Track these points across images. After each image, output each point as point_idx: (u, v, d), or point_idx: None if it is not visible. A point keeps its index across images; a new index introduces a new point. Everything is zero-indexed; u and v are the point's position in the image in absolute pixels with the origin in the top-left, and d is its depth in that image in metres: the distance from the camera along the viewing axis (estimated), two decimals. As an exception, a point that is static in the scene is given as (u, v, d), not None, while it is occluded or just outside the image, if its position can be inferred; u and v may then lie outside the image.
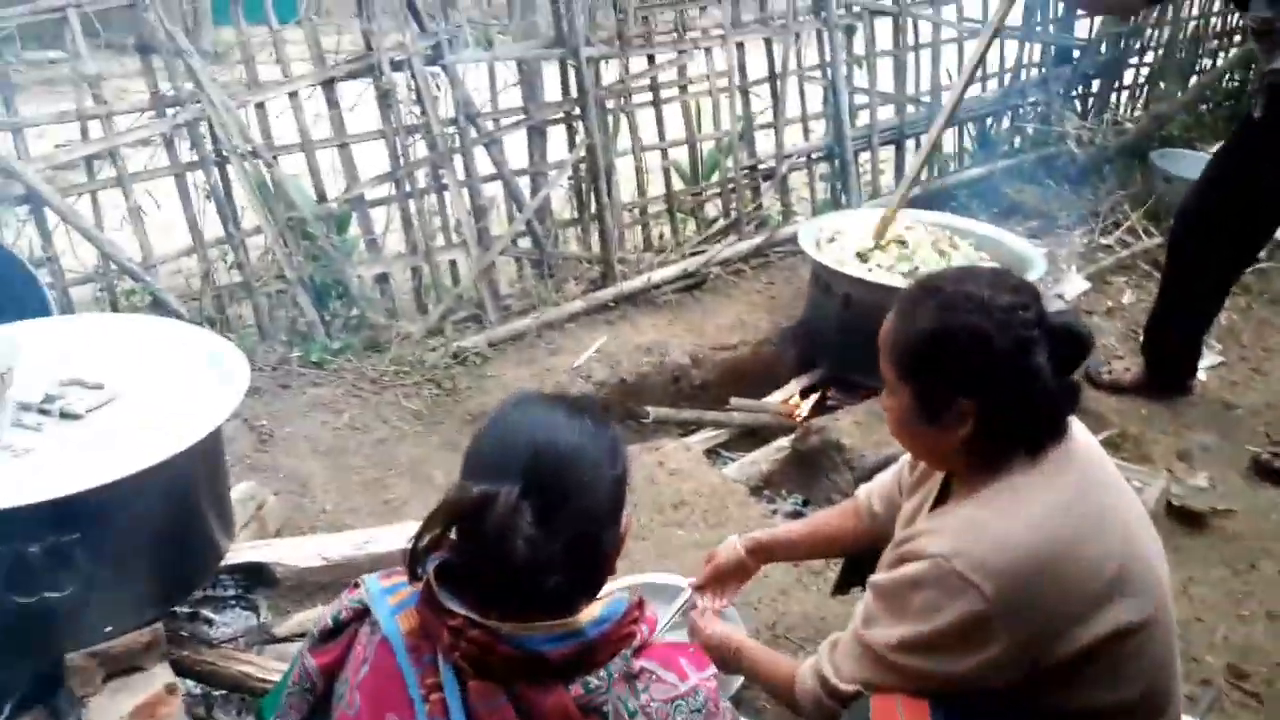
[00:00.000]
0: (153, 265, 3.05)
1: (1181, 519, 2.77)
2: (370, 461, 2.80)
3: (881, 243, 3.44)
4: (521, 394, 1.23)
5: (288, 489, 2.63)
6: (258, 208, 3.10)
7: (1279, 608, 2.46)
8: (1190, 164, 4.62)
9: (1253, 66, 2.96)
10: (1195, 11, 5.47)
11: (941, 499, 1.54)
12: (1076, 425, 1.45)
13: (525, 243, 3.64)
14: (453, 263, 3.51)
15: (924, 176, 4.67)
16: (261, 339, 3.21)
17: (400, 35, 3.19)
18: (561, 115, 3.59)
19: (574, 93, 3.52)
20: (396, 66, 3.21)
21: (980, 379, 1.35)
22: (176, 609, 1.99)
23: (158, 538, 1.71)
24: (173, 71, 2.96)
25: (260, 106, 3.14)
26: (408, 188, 3.30)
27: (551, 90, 3.64)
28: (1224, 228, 3.00)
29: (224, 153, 3.05)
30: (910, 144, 4.66)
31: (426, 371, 3.19)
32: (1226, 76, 5.45)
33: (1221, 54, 5.69)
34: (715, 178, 4.18)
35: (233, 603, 2.15)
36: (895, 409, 1.46)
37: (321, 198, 3.27)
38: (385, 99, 3.21)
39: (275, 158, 3.13)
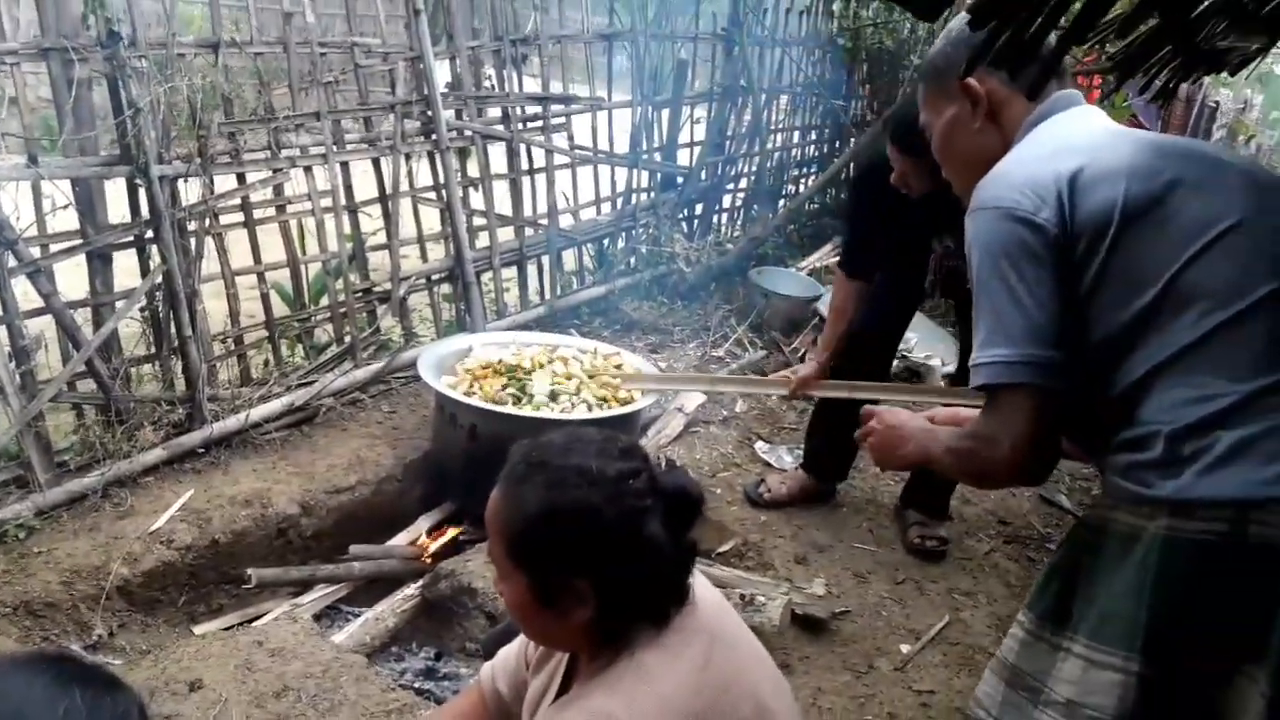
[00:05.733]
0: None
1: (805, 626, 2.83)
2: None
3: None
4: (24, 654, 0.84)
5: None
6: None
7: (899, 709, 2.55)
8: (783, 280, 5.06)
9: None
10: (779, 144, 6.11)
11: (569, 678, 1.40)
12: (699, 581, 1.36)
13: (87, 386, 3.08)
14: (-14, 416, 2.87)
15: (548, 295, 4.71)
16: None
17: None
18: (130, 239, 3.12)
19: (145, 214, 3.08)
20: (-100, 181, 2.61)
21: (595, 557, 1.23)
22: None
23: None
24: None
25: None
26: (-83, 327, 2.67)
27: (118, 211, 3.16)
28: (861, 342, 3.17)
29: None
30: (532, 266, 4.66)
31: (-55, 556, 2.54)
32: (808, 201, 6.10)
33: (803, 181, 6.39)
34: (324, 301, 3.86)
35: None
36: (510, 594, 1.30)
37: None
38: (-117, 220, 2.59)
39: None
